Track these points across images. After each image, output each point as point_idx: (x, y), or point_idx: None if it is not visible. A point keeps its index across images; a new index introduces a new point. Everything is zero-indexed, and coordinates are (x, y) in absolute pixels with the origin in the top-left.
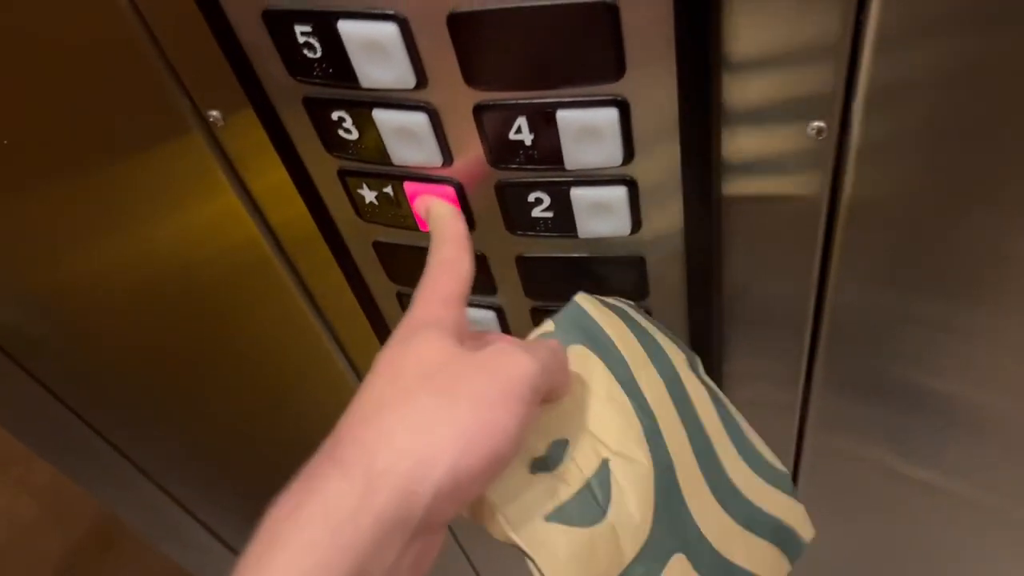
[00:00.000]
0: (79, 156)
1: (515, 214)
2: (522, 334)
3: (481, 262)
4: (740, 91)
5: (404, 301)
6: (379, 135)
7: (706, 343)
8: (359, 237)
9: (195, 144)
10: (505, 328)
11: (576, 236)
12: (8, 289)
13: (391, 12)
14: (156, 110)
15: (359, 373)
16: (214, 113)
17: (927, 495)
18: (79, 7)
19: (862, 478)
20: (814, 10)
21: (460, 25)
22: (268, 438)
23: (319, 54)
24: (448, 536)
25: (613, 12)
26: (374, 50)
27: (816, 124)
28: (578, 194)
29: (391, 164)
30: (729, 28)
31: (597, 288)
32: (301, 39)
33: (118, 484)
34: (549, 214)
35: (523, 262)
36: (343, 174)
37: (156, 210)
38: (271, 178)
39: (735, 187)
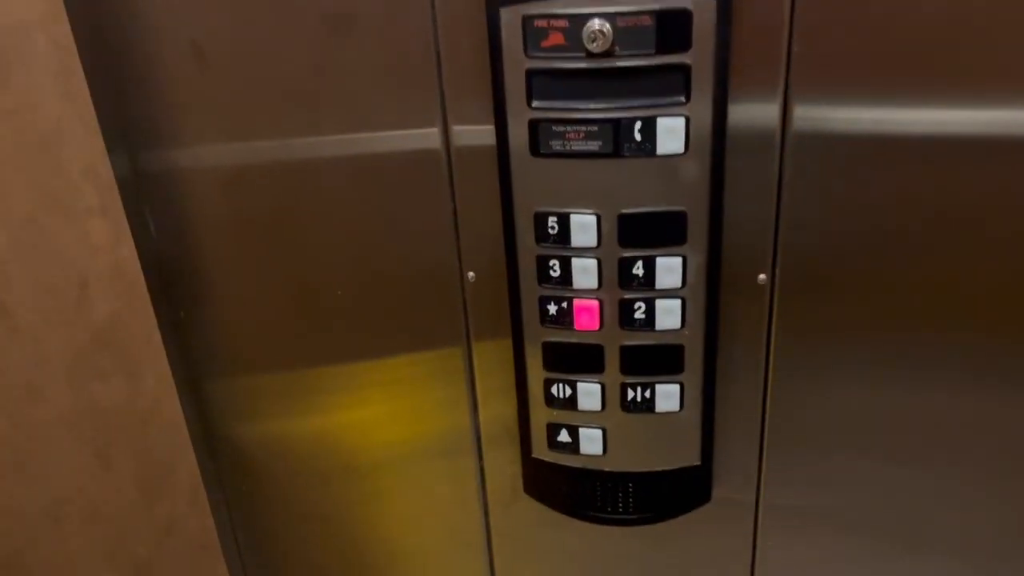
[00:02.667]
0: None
1: (625, 317)
2: (614, 402)
3: (599, 350)
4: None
5: (548, 386)
6: (571, 271)
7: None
8: (535, 338)
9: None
10: (603, 397)
11: (654, 330)
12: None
13: (596, 212)
14: (430, 268)
15: None
16: (471, 273)
17: None
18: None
19: None
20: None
21: (624, 219)
22: None
23: (556, 230)
24: None
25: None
26: (582, 228)
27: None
28: (660, 304)
29: (571, 288)
30: None
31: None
32: (551, 224)
33: None
34: (643, 316)
35: (624, 349)
36: (542, 299)
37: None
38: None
39: None
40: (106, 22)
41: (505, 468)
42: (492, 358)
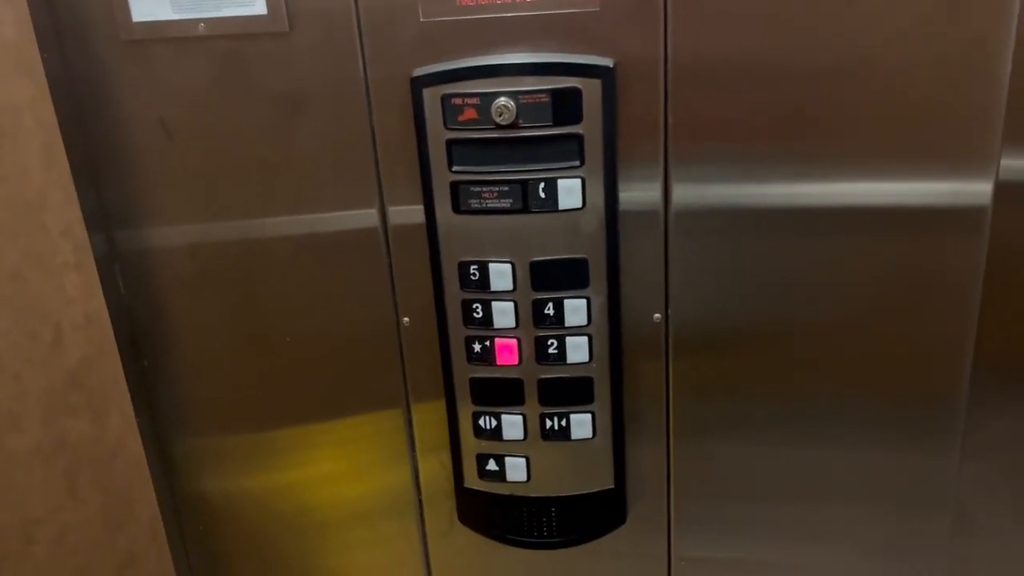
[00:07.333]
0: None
1: (540, 352)
2: (535, 432)
3: (519, 384)
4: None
5: (476, 419)
6: (492, 313)
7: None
8: (462, 375)
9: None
10: (525, 427)
11: (566, 363)
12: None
13: (511, 260)
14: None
15: None
16: (406, 319)
17: None
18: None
19: None
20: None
21: (535, 266)
22: None
23: (477, 277)
24: None
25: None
26: (500, 274)
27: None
28: (570, 341)
29: (493, 328)
30: None
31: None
32: (472, 272)
33: None
34: (556, 352)
35: (541, 382)
36: (468, 339)
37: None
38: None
39: None
40: (85, 102)
41: (442, 501)
42: (429, 415)
